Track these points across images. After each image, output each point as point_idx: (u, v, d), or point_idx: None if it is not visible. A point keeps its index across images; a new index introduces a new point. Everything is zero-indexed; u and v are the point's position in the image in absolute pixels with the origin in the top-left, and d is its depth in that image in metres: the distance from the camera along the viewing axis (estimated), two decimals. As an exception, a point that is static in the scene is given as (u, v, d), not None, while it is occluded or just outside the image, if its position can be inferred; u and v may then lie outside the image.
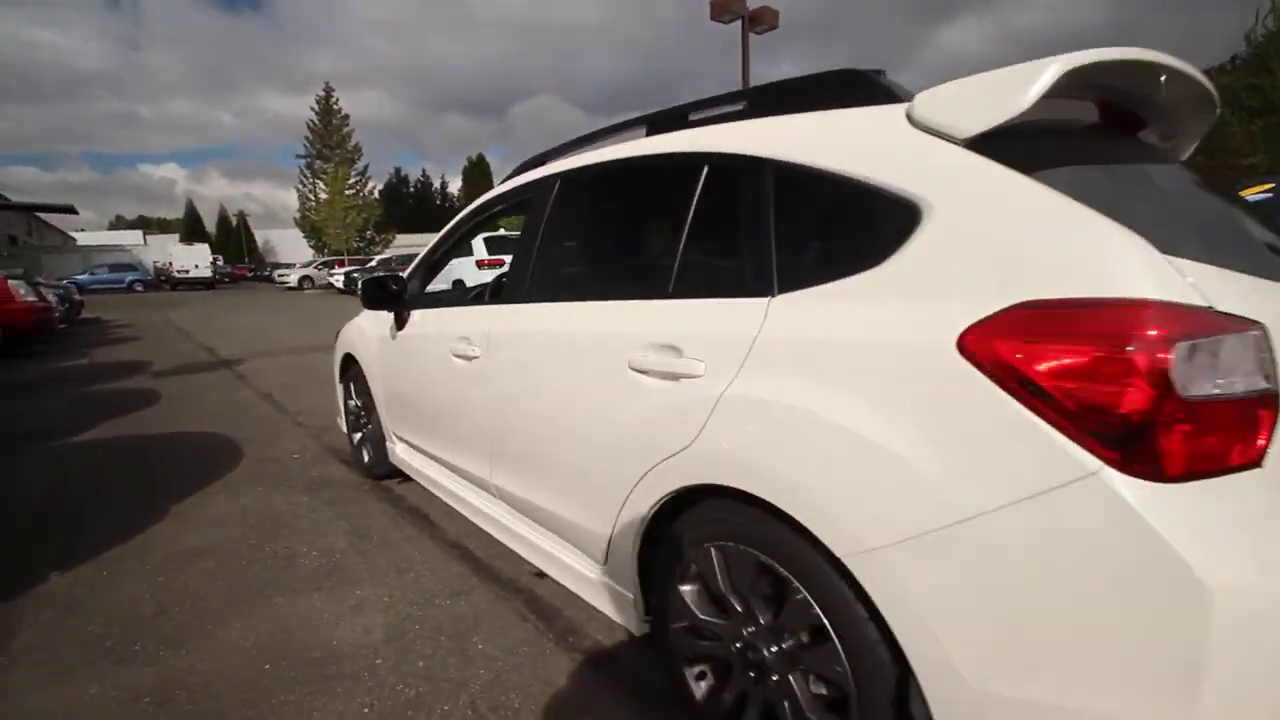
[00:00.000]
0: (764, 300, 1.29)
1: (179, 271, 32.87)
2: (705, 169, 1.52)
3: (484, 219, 2.65)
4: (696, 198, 1.53)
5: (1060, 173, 1.07)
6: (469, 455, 2.34)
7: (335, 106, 42.48)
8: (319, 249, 41.19)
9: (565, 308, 1.86)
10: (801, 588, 1.18)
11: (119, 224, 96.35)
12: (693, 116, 1.76)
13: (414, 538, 2.71)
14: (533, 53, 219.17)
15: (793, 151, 1.34)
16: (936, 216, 1.08)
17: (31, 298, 9.49)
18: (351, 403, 3.54)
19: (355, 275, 22.24)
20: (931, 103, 1.17)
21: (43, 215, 38.04)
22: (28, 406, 5.65)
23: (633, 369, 1.52)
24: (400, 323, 2.80)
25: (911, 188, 1.12)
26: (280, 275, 36.21)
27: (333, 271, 27.63)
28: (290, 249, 58.05)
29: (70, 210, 29.89)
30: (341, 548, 2.64)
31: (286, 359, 8.00)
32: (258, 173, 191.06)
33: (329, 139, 42.07)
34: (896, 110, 1.24)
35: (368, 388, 3.20)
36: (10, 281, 9.10)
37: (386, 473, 3.28)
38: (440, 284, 3.67)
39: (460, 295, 3.61)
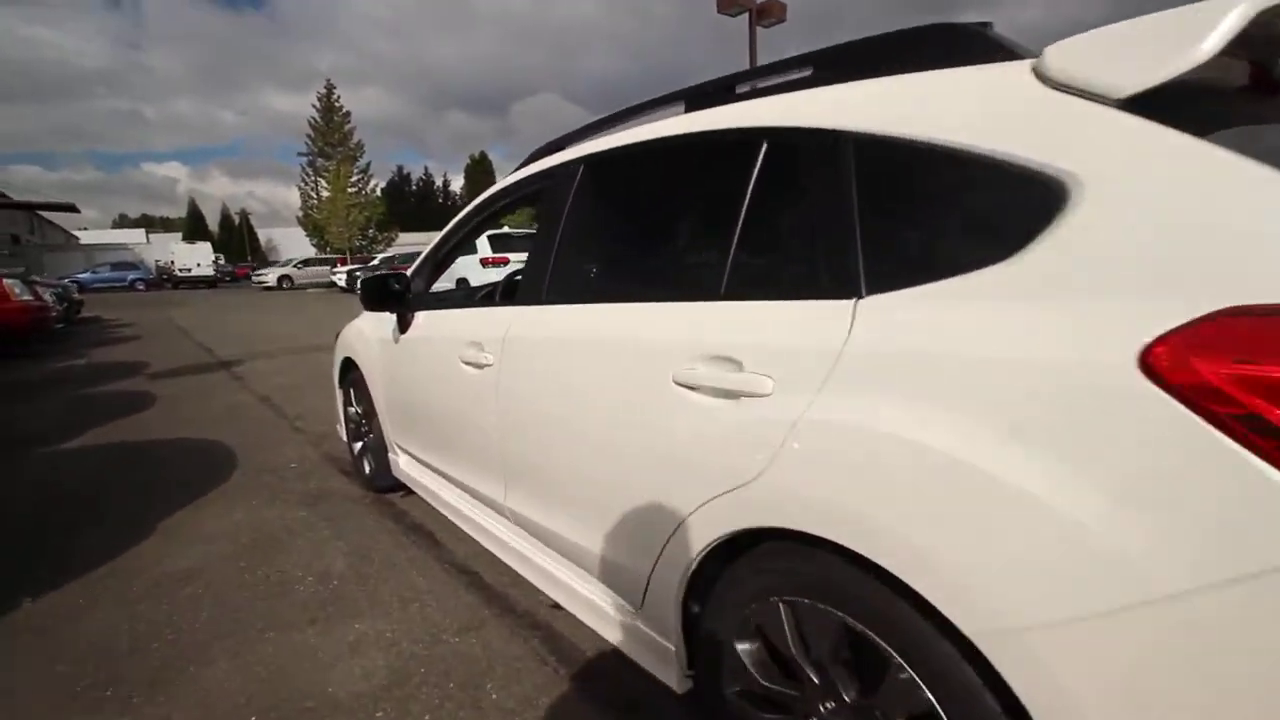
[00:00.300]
0: (848, 303, 1.06)
1: (181, 270, 32.78)
2: (764, 146, 1.29)
3: (494, 212, 2.41)
4: (753, 181, 1.29)
5: (1241, 140, 0.83)
6: (480, 474, 2.11)
7: (337, 104, 42.34)
8: (321, 247, 41.04)
9: (593, 311, 1.62)
10: (905, 664, 0.94)
11: (122, 223, 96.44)
12: (740, 88, 1.53)
13: (419, 561, 2.48)
14: (533, 51, 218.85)
15: (881, 121, 1.10)
16: (1093, 195, 0.84)
17: (27, 297, 9.30)
18: (351, 410, 3.31)
19: (357, 274, 22.07)
20: (1071, 56, 0.93)
21: (46, 214, 37.94)
22: (24, 410, 5.45)
23: (679, 384, 1.28)
24: (403, 325, 2.57)
25: (1054, 160, 0.88)
26: (257, 276, 33.34)
27: (335, 270, 27.64)
28: (293, 247, 57.92)
29: (72, 209, 29.70)
30: (340, 572, 2.42)
31: (285, 360, 7.79)
32: (261, 171, 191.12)
33: (331, 136, 41.94)
34: (1018, 68, 1.00)
35: (369, 394, 2.98)
36: (5, 280, 8.90)
37: (389, 486, 3.05)
38: (443, 283, 3.43)
39: (468, 296, 3.37)
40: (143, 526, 2.86)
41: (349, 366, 3.21)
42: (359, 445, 3.33)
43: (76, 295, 14.40)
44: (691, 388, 1.26)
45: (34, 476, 3.62)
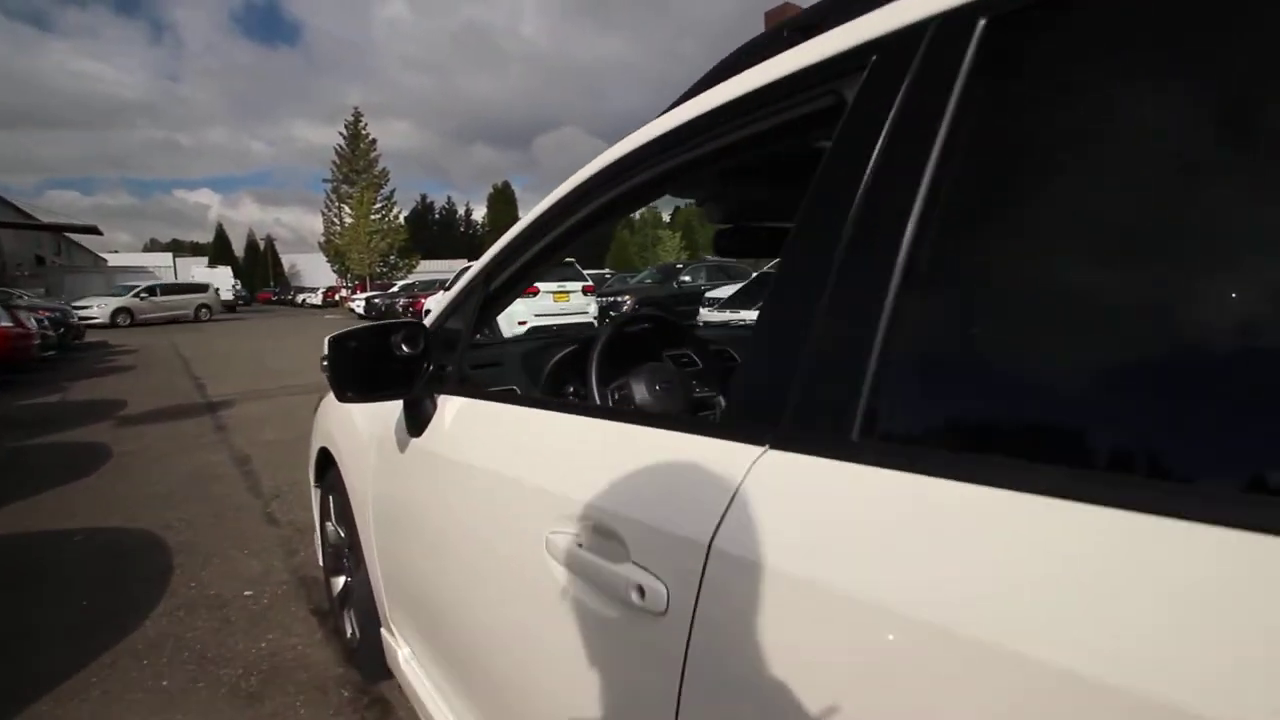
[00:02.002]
0: None
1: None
2: None
3: (616, 200, 1.16)
4: None
5: None
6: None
7: (364, 131, 42.24)
8: (342, 273, 40.72)
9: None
10: None
11: (153, 246, 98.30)
12: None
13: None
14: (557, 87, 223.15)
15: None
16: None
17: (6, 323, 8.35)
18: (330, 527, 2.07)
19: (377, 300, 21.22)
20: None
21: (73, 236, 37.91)
22: (-61, 469, 4.30)
23: None
24: (418, 421, 1.31)
25: None
26: (78, 307, 18.43)
27: (354, 296, 27.06)
28: (315, 273, 58.14)
29: (94, 231, 29.32)
30: None
31: (283, 400, 6.62)
32: (288, 199, 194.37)
33: (356, 163, 41.76)
34: None
35: (352, 520, 1.73)
36: (-21, 304, 7.96)
37: (378, 673, 1.79)
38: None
39: (539, 361, 1.93)
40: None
41: (328, 460, 1.98)
42: (340, 583, 2.08)
43: (74, 320, 13.53)
44: None
45: None
